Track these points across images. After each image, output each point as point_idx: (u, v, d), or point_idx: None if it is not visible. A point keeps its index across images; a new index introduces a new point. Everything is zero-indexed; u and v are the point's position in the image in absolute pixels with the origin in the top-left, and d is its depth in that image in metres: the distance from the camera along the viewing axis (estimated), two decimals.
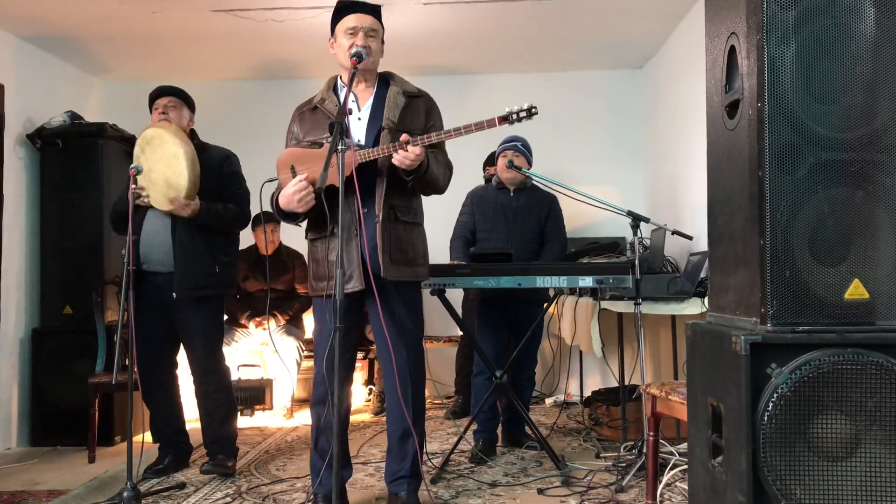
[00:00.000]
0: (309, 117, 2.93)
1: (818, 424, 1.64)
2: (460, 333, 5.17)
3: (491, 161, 4.98)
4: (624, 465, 3.46)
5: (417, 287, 3.02)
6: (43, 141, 4.72)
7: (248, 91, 5.99)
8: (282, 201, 2.80)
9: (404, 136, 2.67)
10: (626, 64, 5.83)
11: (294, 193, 2.73)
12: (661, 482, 3.00)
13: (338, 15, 2.86)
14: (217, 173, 3.62)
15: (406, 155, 2.65)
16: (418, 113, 2.91)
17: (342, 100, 2.80)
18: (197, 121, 3.81)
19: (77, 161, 4.72)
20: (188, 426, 3.85)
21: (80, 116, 4.93)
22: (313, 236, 2.92)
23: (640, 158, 5.93)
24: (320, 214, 2.77)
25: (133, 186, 3.12)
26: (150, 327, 3.59)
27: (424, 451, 3.14)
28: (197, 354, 3.61)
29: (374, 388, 5.41)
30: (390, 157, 2.70)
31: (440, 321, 5.49)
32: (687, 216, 4.80)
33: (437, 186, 2.90)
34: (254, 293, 5.25)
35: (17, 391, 4.58)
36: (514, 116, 2.70)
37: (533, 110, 2.68)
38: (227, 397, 3.65)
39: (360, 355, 5.53)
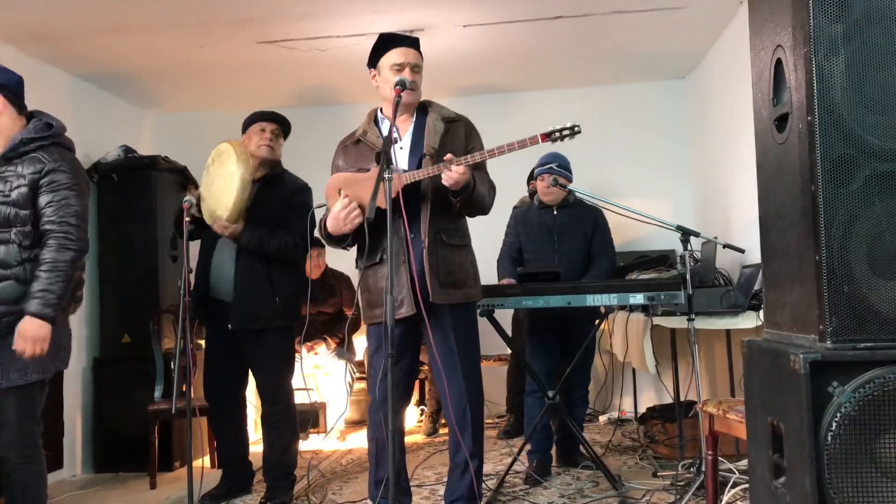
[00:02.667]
0: (352, 150, 2.97)
1: (885, 444, 1.59)
2: (510, 352, 5.15)
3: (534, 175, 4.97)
4: (682, 484, 3.40)
5: (472, 309, 3.00)
6: (99, 175, 4.88)
7: (292, 118, 6.07)
8: (330, 223, 2.83)
9: (448, 156, 2.68)
10: (669, 75, 5.78)
11: (340, 211, 2.77)
12: (721, 501, 2.93)
13: (381, 48, 2.88)
14: (286, 203, 3.58)
15: (451, 175, 2.66)
16: (458, 136, 2.92)
17: (384, 130, 2.85)
18: None
19: (132, 193, 4.86)
20: (253, 448, 3.90)
21: (133, 150, 5.08)
22: (364, 265, 2.92)
23: (687, 169, 5.85)
24: (368, 243, 2.81)
25: (187, 219, 3.19)
26: (219, 354, 3.65)
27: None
28: (261, 384, 3.64)
29: (425, 409, 5.41)
30: (435, 179, 2.72)
31: (490, 339, 5.46)
32: (738, 226, 4.71)
33: (483, 206, 2.90)
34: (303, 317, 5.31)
35: (80, 419, 4.71)
36: (557, 134, 2.71)
37: (576, 128, 2.69)
38: (289, 428, 3.65)
39: None
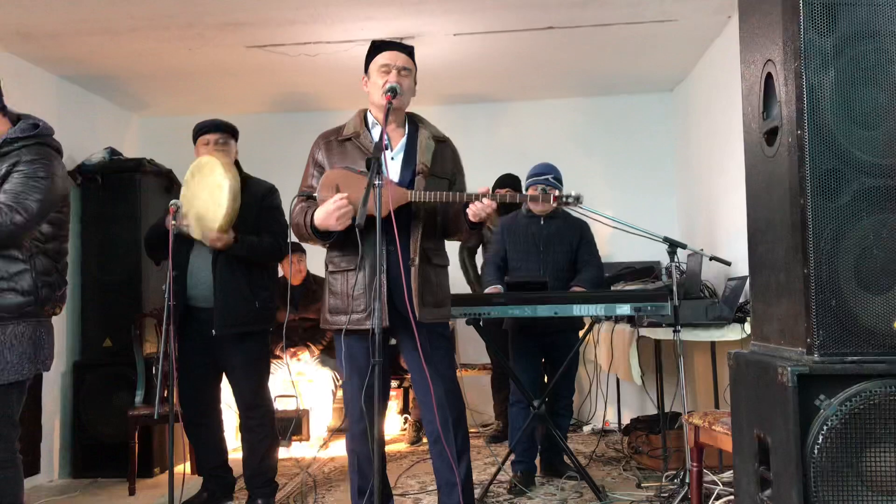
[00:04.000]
0: (337, 148, 2.90)
1: (871, 457, 1.60)
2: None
3: (502, 184, 4.95)
4: (666, 495, 3.40)
5: (447, 327, 3.02)
6: (83, 177, 4.82)
7: (279, 123, 6.08)
8: (318, 217, 2.73)
9: (483, 188, 2.78)
10: (657, 88, 5.82)
11: (334, 210, 2.69)
12: None
13: (371, 53, 2.88)
14: (257, 206, 3.59)
15: (481, 212, 2.74)
16: (446, 158, 2.96)
17: (374, 136, 2.85)
18: None
19: (116, 196, 4.82)
20: (232, 455, 3.85)
21: (118, 152, 5.04)
22: (333, 269, 2.89)
23: (673, 181, 5.89)
24: (343, 246, 2.79)
25: (173, 223, 3.15)
26: (194, 362, 3.60)
27: None
28: (240, 389, 3.60)
29: (409, 418, 5.39)
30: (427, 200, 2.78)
31: (475, 348, 5.47)
32: (723, 239, 4.74)
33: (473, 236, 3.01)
34: (281, 324, 5.27)
35: (58, 423, 4.64)
36: (564, 199, 2.85)
37: (581, 198, 2.86)
38: (269, 432, 3.61)
39: (394, 384, 5.53)
